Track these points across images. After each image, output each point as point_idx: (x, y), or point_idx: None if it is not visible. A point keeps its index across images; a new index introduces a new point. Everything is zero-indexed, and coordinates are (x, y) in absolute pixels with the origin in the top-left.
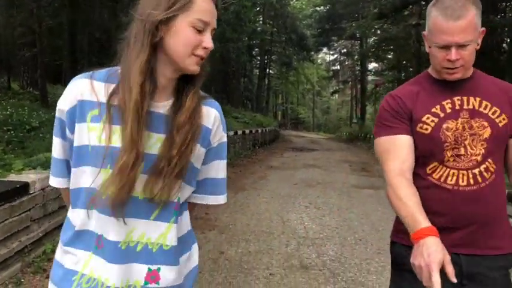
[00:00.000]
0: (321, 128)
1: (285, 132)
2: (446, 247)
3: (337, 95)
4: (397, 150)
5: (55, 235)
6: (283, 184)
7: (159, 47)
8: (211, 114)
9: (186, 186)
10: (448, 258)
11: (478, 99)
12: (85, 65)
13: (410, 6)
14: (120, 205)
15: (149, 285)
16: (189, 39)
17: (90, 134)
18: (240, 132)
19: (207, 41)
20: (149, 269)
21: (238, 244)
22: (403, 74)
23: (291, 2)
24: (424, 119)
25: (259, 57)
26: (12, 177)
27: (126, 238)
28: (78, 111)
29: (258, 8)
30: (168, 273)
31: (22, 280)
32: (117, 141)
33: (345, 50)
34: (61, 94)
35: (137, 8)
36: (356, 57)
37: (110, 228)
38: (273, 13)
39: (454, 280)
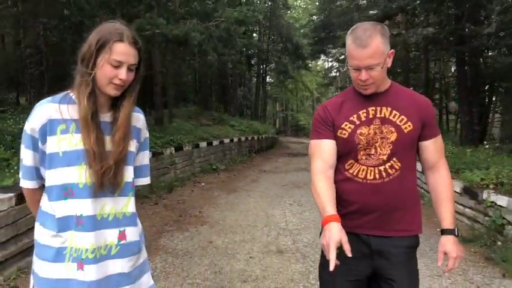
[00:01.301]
0: None
1: (284, 139)
2: (358, 228)
3: None
4: (321, 152)
5: None
6: (272, 186)
7: (95, 79)
8: (140, 119)
9: (131, 167)
10: (345, 238)
11: (389, 109)
12: None
13: (399, 16)
14: (101, 189)
15: (121, 242)
16: (108, 74)
17: (60, 143)
18: (235, 139)
19: (122, 74)
20: (119, 231)
21: (225, 235)
22: (397, 80)
23: (288, 12)
24: (343, 126)
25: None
26: None
27: (100, 211)
28: (49, 128)
29: (256, 18)
30: (131, 232)
31: None
32: (83, 145)
33: (342, 57)
34: None
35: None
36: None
37: (88, 207)
38: (269, 24)
39: (349, 255)
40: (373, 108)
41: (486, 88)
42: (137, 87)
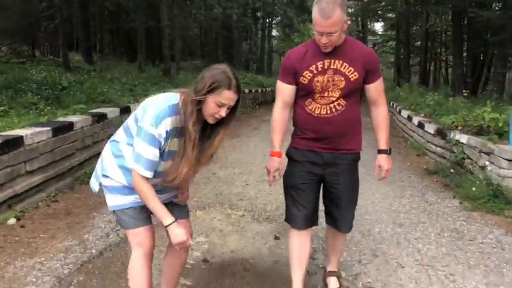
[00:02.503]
0: None
1: None
2: (315, 147)
3: None
4: (283, 94)
5: (91, 162)
6: None
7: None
8: None
9: None
10: (280, 166)
11: (341, 62)
12: (97, 31)
13: None
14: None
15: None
16: (211, 110)
17: (169, 144)
18: None
19: (222, 113)
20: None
21: (226, 169)
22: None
23: None
24: (303, 73)
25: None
26: (60, 119)
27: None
28: (168, 134)
29: None
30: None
31: (73, 187)
32: (175, 147)
33: (349, 10)
34: (77, 60)
35: (192, 87)
36: (353, 18)
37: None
38: None
39: (280, 177)
40: (328, 60)
41: (480, 42)
42: (233, 120)
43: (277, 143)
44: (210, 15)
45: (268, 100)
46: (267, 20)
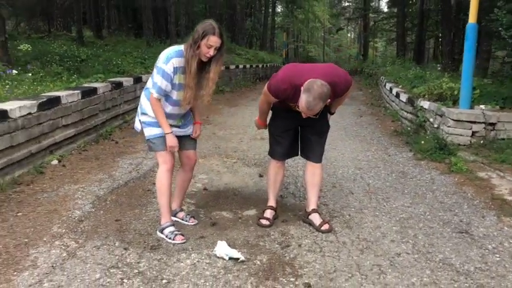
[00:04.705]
0: None
1: None
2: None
3: (353, 33)
4: (269, 99)
5: (112, 122)
6: None
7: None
8: None
9: None
10: (263, 127)
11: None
12: (105, 8)
13: None
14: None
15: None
16: (204, 50)
17: (177, 78)
18: (241, 66)
19: (211, 52)
20: (184, 114)
21: (225, 130)
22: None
23: None
24: (288, 102)
25: None
26: (85, 86)
27: (182, 109)
28: (176, 70)
29: None
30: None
31: (98, 141)
32: (182, 81)
33: None
34: (88, 35)
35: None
36: None
37: (180, 109)
38: None
39: (262, 129)
40: None
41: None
42: (221, 57)
43: (264, 120)
44: None
45: (268, 75)
46: None
